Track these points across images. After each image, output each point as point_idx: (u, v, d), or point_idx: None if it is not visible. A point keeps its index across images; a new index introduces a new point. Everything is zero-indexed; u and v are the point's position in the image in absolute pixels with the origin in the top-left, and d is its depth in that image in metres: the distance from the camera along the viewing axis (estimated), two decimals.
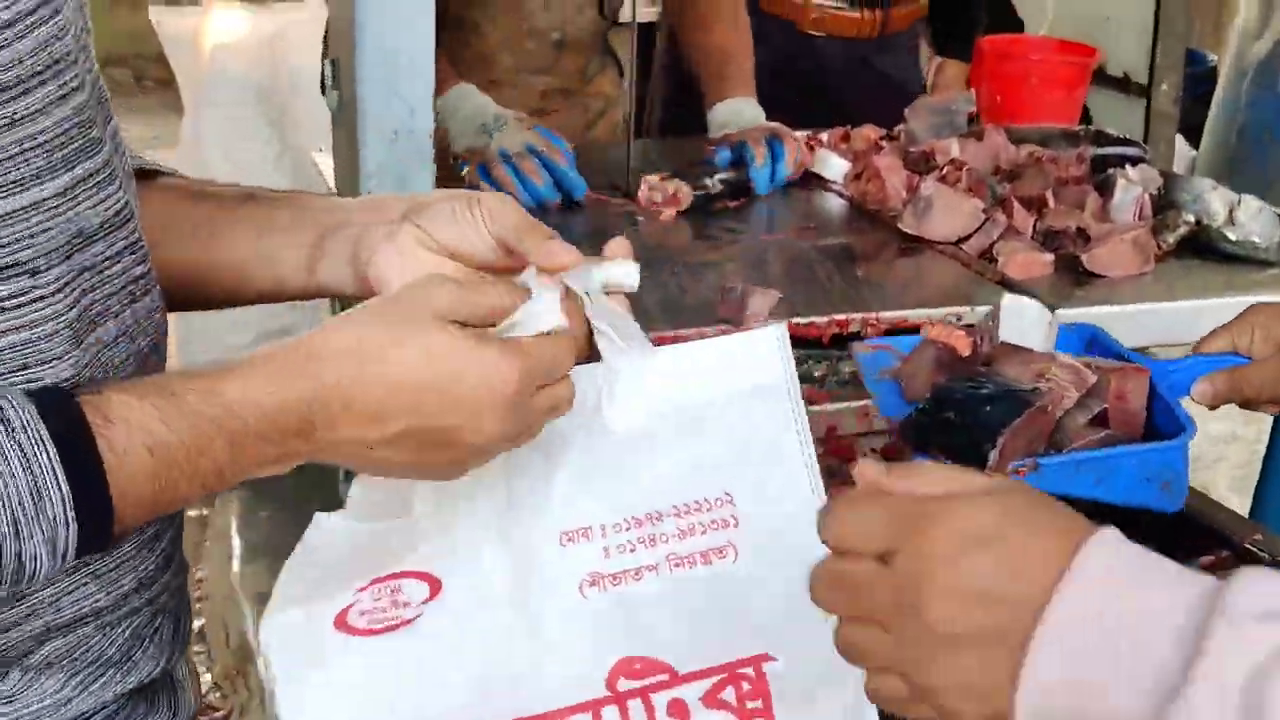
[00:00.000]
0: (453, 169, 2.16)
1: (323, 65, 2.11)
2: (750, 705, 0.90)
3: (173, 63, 4.03)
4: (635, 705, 0.89)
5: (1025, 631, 0.65)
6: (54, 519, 0.71)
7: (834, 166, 2.17)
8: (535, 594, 0.89)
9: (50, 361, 0.78)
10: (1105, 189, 2.06)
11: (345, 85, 1.89)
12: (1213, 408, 1.28)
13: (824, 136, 2.28)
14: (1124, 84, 4.51)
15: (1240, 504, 2.04)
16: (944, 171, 1.99)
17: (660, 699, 0.89)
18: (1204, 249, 1.95)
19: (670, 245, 1.89)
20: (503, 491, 0.91)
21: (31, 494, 0.70)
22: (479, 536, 0.90)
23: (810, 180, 2.20)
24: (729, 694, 0.90)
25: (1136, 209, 2.00)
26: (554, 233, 0.93)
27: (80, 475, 0.72)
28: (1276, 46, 4.66)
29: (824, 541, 0.73)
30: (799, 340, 1.63)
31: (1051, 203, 1.98)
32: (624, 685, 0.89)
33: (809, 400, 1.54)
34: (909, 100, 2.36)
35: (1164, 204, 2.10)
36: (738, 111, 2.31)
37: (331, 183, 2.16)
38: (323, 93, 2.29)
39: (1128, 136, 2.32)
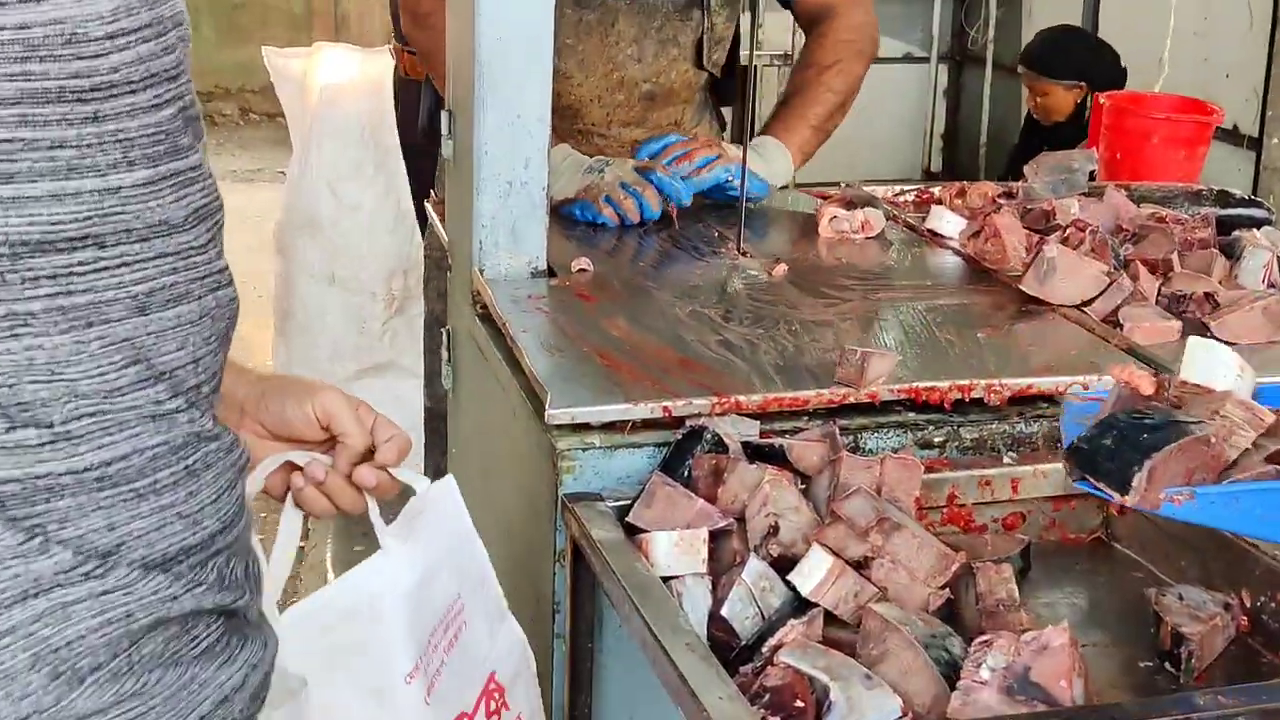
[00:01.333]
0: (558, 213, 2.17)
1: (435, 115, 2.12)
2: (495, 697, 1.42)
3: (282, 100, 4.08)
4: None
5: None
6: None
7: (949, 223, 2.14)
8: (392, 715, 1.30)
9: (112, 322, 0.88)
10: (1232, 252, 2.00)
11: (462, 136, 1.90)
12: None
13: (937, 190, 2.24)
14: (1234, 136, 4.43)
15: None
16: (1067, 233, 1.94)
17: None
18: None
19: (783, 300, 1.86)
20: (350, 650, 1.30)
21: None
22: (338, 690, 1.28)
23: (926, 236, 2.17)
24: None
25: (1265, 274, 1.94)
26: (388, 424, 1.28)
27: None
28: None
29: None
30: (919, 405, 1.60)
31: (1177, 266, 1.93)
32: None
33: (929, 469, 1.50)
34: None
35: None
36: (758, 147, 2.32)
37: (442, 230, 2.16)
38: (428, 129, 2.30)
39: (1253, 197, 2.26)
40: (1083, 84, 4.26)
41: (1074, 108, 4.30)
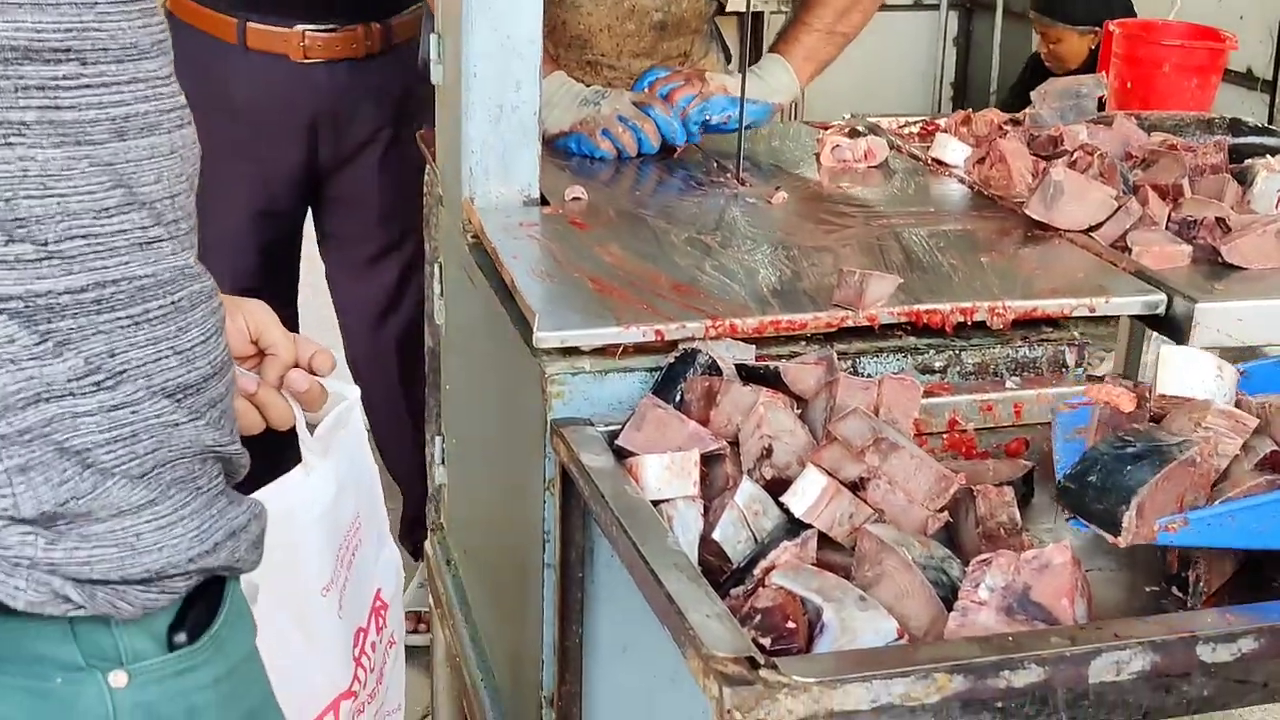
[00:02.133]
0: (556, 145, 2.12)
1: (426, 41, 2.08)
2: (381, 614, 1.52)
3: None
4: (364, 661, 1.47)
5: None
6: None
7: (954, 150, 2.08)
8: (310, 626, 1.38)
9: (96, 143, 0.94)
10: (1245, 179, 1.95)
11: (451, 59, 1.85)
12: None
13: (942, 120, 2.18)
14: (1248, 78, 4.36)
15: None
16: (1074, 157, 1.89)
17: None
18: None
19: (781, 227, 1.81)
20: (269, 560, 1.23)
21: None
22: (257, 597, 1.27)
23: (930, 165, 2.12)
24: None
25: (1278, 199, 1.88)
26: (306, 340, 1.30)
27: None
28: None
29: None
30: (920, 329, 1.55)
31: (1188, 191, 1.87)
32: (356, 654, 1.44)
33: (930, 393, 1.46)
34: (415, 112, 2.45)
35: None
36: (758, 69, 2.28)
37: (435, 158, 2.11)
38: (420, 65, 2.26)
39: (1266, 126, 2.20)
40: (1096, 29, 4.18)
41: (1087, 54, 4.22)
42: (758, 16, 4.92)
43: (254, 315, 1.27)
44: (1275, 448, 1.19)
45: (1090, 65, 4.10)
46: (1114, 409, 1.25)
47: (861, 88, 5.10)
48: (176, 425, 0.98)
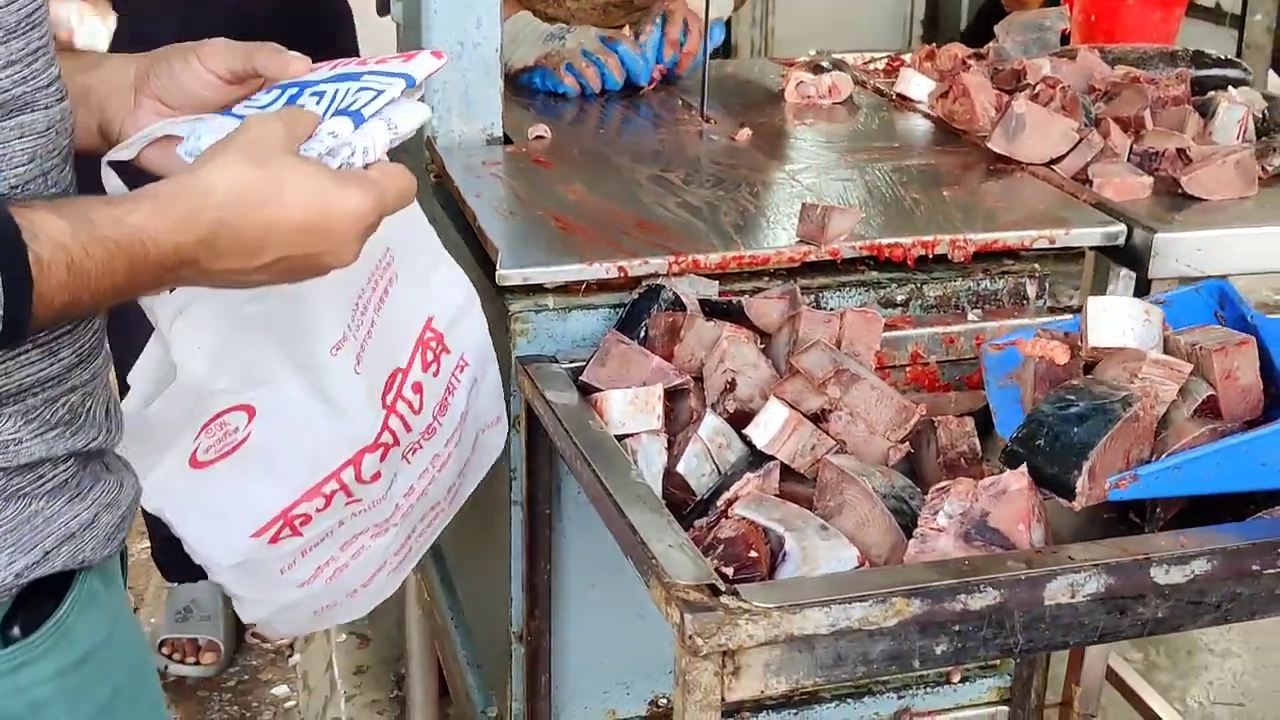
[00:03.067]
0: (521, 81, 2.11)
1: None
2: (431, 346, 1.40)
3: None
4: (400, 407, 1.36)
5: None
6: None
7: (918, 85, 2.08)
8: (323, 389, 1.29)
9: None
10: (1207, 111, 1.95)
11: None
12: None
13: (907, 56, 2.18)
14: (1216, 14, 4.36)
15: None
16: (1036, 90, 1.89)
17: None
18: None
19: (745, 164, 1.81)
20: (276, 331, 1.26)
21: None
22: (271, 370, 1.27)
23: (894, 100, 2.12)
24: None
25: (1240, 131, 1.90)
26: (277, 46, 1.13)
27: (10, 282, 0.84)
28: None
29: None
30: (882, 263, 1.56)
31: (1149, 124, 1.88)
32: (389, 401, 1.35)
33: (891, 326, 1.47)
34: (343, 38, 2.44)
35: (1268, 127, 1.99)
36: None
37: None
38: (384, 8, 2.23)
39: (1229, 58, 2.21)
40: None
41: None
42: None
43: (211, 52, 1.14)
44: (1210, 391, 1.20)
45: (1054, 4, 4.09)
46: (1049, 362, 1.26)
47: (832, 24, 5.08)
48: (20, 443, 0.94)
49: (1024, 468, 1.16)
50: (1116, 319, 1.24)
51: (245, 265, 0.97)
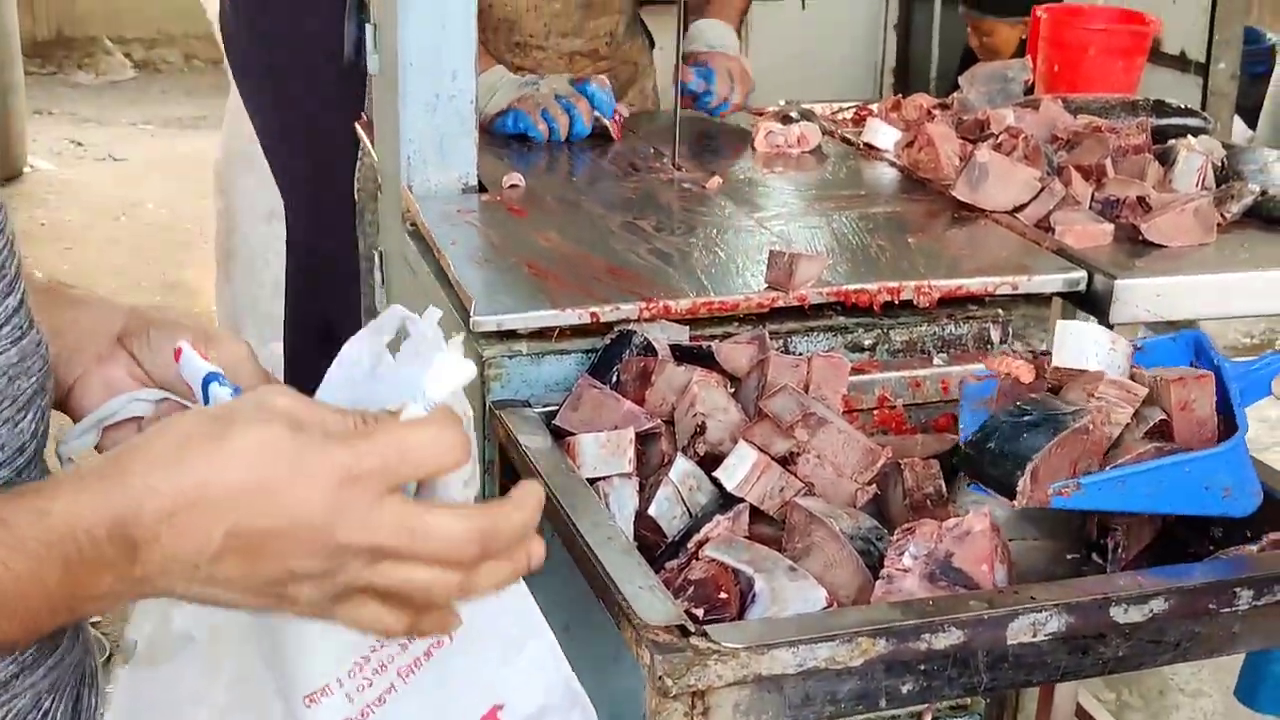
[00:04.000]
0: (495, 127, 2.15)
1: (356, 28, 2.09)
2: None
3: (217, 34, 4.01)
4: None
5: None
6: None
7: (884, 135, 2.13)
8: None
9: None
10: (1167, 159, 2.00)
11: (387, 49, 1.86)
12: None
13: (874, 106, 2.23)
14: (1181, 61, 4.43)
15: None
16: (1000, 139, 1.94)
17: None
18: (1268, 220, 1.88)
19: (715, 212, 1.85)
20: (244, 669, 0.91)
21: None
22: (248, 695, 0.92)
23: (862, 149, 2.16)
24: None
25: (1199, 179, 1.94)
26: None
27: None
28: None
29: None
30: (849, 308, 1.59)
31: (1111, 172, 1.92)
32: None
33: (858, 370, 1.50)
34: None
35: (1227, 175, 2.04)
36: (701, 30, 2.38)
37: (372, 150, 2.13)
38: (354, 57, 2.27)
39: (1189, 107, 2.26)
40: (1026, 20, 4.24)
41: (1018, 44, 4.28)
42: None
43: (225, 353, 0.91)
44: (1164, 417, 1.24)
45: (1022, 55, 4.16)
46: (1014, 380, 1.29)
47: (803, 74, 5.13)
48: None
49: (986, 509, 1.19)
50: (1082, 343, 1.28)
51: (189, 550, 0.70)
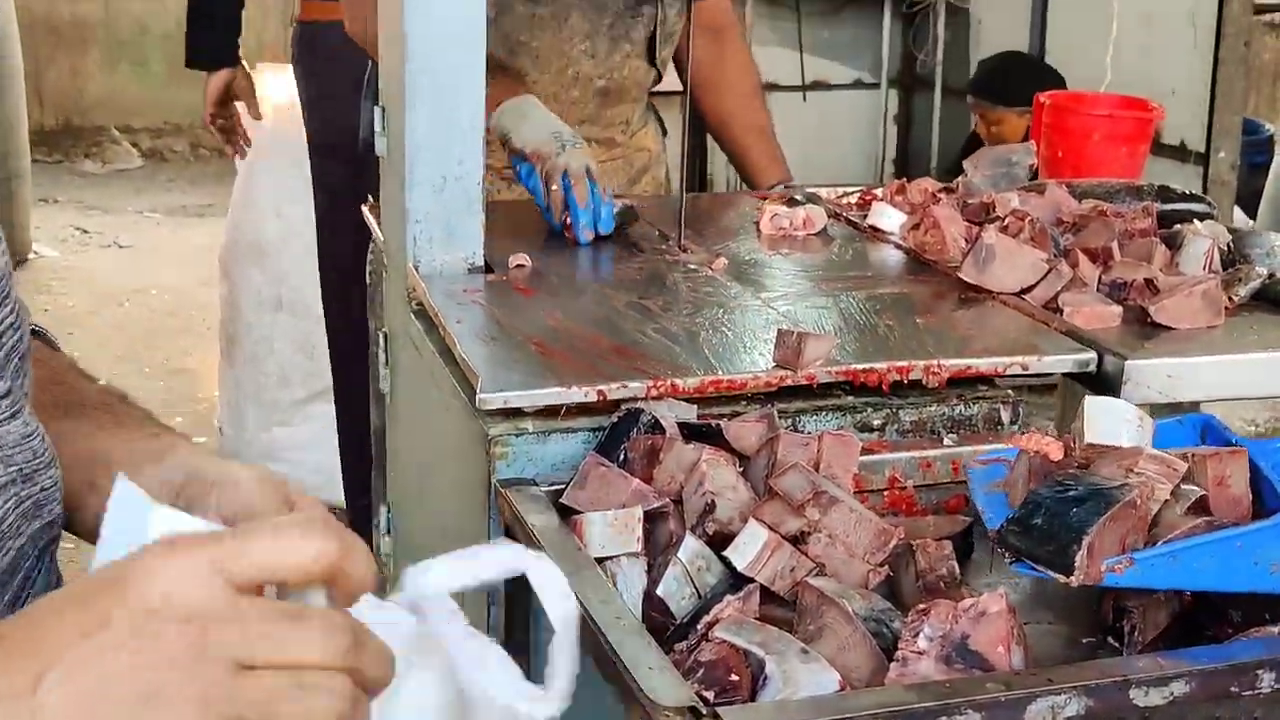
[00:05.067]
0: (511, 163, 2.12)
1: (369, 110, 2.10)
2: None
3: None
4: None
5: None
6: None
7: (890, 218, 2.13)
8: None
9: None
10: (1173, 243, 2.00)
11: (395, 131, 1.87)
12: None
13: (879, 190, 2.23)
14: (1181, 151, 4.47)
15: None
16: (1006, 221, 1.94)
17: None
18: (1276, 303, 1.88)
19: (722, 292, 1.84)
20: None
21: None
22: None
23: (867, 232, 2.16)
24: None
25: (1206, 262, 1.94)
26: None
27: None
28: None
29: None
30: (857, 388, 1.58)
31: (1117, 255, 1.92)
32: None
33: (869, 451, 1.48)
34: None
35: (1233, 259, 2.04)
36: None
37: (378, 232, 2.13)
38: (361, 144, 2.27)
39: (1194, 193, 2.26)
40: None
41: (1025, 133, 4.33)
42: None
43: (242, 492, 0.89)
44: (1202, 492, 1.22)
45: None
46: (1044, 458, 1.28)
47: (807, 163, 5.18)
48: None
49: (1002, 590, 1.17)
50: (1113, 418, 1.26)
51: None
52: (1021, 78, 4.43)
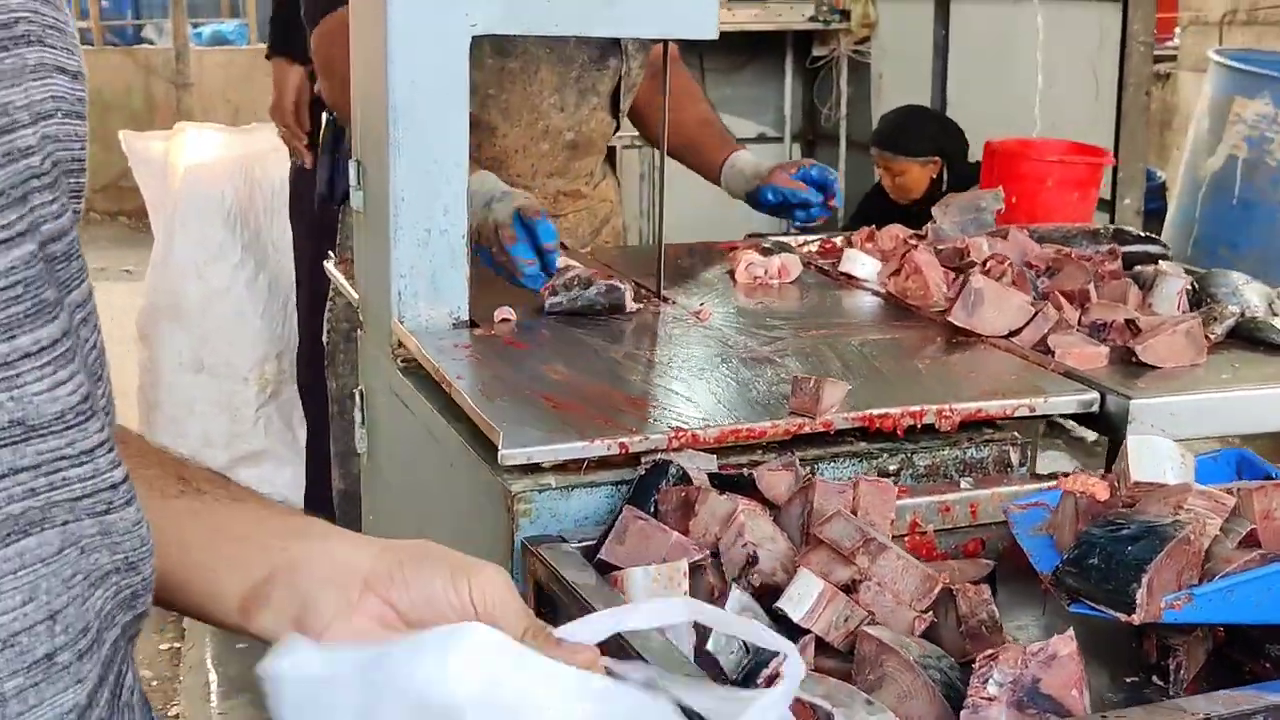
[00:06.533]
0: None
1: (327, 167, 2.05)
2: None
3: (142, 187, 3.95)
4: None
5: None
6: None
7: (864, 265, 2.14)
8: None
9: None
10: (1141, 283, 2.04)
11: (374, 185, 1.83)
12: None
13: (852, 236, 2.24)
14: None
15: None
16: (988, 266, 1.95)
17: None
18: (1251, 341, 1.92)
19: (717, 342, 1.82)
20: None
21: None
22: None
23: (841, 279, 2.16)
24: None
25: (1179, 300, 1.97)
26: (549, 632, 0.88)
27: None
28: (1229, 162, 4.78)
29: None
30: (871, 433, 1.57)
31: (1094, 296, 1.95)
32: None
33: None
34: None
35: (1200, 298, 2.08)
36: (754, 161, 2.55)
37: (350, 289, 2.08)
38: (328, 198, 2.22)
39: (1149, 235, 2.31)
40: (937, 159, 4.38)
41: (929, 183, 4.41)
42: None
43: (488, 587, 0.89)
44: (1251, 526, 1.23)
45: (932, 192, 4.27)
46: (1090, 498, 1.28)
47: (713, 214, 5.21)
48: None
49: (1070, 633, 1.16)
50: (1158, 456, 1.27)
51: None
52: (922, 129, 4.52)
